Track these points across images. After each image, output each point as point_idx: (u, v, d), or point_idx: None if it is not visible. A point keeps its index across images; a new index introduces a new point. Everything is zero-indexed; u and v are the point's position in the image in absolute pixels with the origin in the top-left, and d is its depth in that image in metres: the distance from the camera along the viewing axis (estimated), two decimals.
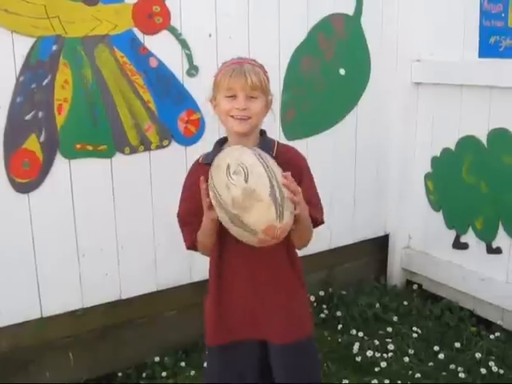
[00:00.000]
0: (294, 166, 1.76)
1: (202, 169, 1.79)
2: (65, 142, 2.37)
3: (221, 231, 1.74)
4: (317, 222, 1.82)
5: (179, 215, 1.88)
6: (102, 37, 2.36)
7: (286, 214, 1.58)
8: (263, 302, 1.83)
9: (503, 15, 2.77)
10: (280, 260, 1.84)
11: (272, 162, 1.63)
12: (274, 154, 1.77)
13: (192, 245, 1.85)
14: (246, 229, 1.57)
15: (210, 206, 1.65)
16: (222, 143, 1.85)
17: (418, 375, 2.64)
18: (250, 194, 1.54)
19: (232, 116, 1.72)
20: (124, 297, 2.64)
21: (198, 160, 1.87)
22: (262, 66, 1.80)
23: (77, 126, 2.38)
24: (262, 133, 1.84)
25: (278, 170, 1.62)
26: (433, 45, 3.16)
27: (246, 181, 1.55)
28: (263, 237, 1.57)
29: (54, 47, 2.28)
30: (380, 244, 3.54)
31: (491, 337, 2.92)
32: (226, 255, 1.84)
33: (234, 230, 1.62)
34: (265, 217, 1.55)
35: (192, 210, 1.81)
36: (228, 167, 1.58)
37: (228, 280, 1.85)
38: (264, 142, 1.80)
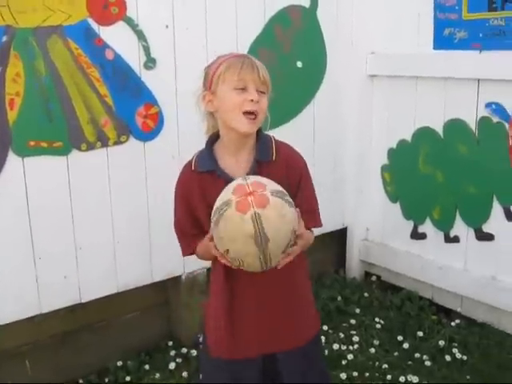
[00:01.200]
0: (293, 167, 1.74)
1: (196, 177, 1.72)
2: (17, 138, 2.24)
3: None
4: (316, 227, 1.80)
5: (175, 226, 1.80)
6: (55, 27, 2.24)
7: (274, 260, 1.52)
8: (272, 314, 1.76)
9: (457, 8, 2.80)
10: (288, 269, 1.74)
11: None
12: (272, 158, 1.71)
13: (189, 254, 1.81)
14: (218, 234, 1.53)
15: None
16: (213, 142, 1.76)
17: (385, 366, 2.65)
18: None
19: (243, 112, 1.62)
20: (84, 300, 2.53)
21: (190, 165, 1.76)
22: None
23: (30, 122, 2.25)
24: (259, 130, 1.76)
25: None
26: (388, 37, 3.17)
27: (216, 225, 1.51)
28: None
29: (4, 38, 2.14)
30: (338, 237, 3.55)
31: (452, 324, 2.97)
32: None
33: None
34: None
35: (189, 222, 1.75)
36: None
37: (239, 289, 1.76)
38: (262, 144, 1.73)
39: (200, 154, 1.76)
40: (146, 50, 2.50)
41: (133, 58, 2.48)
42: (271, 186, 1.53)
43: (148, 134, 2.57)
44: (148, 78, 2.52)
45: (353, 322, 3.04)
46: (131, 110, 2.50)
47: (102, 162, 2.48)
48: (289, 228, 1.50)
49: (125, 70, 2.45)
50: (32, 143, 2.27)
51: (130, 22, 2.43)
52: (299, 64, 3.05)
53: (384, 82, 3.25)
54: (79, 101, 2.35)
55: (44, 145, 2.30)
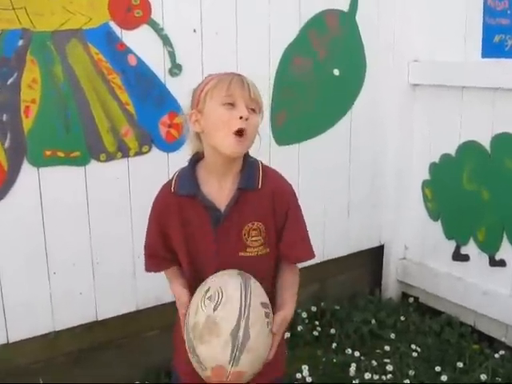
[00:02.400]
0: (280, 196, 1.60)
1: (174, 200, 1.60)
2: (33, 148, 2.13)
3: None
4: (307, 259, 1.66)
5: (145, 248, 1.70)
6: (74, 31, 2.13)
7: (245, 361, 1.39)
8: None
9: (509, 12, 2.58)
10: None
11: (256, 300, 1.46)
12: (258, 186, 1.58)
13: (154, 271, 1.71)
14: (197, 359, 1.42)
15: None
16: (196, 161, 1.63)
17: None
18: (210, 325, 1.39)
19: (232, 131, 1.47)
20: (101, 318, 2.40)
21: (169, 185, 1.63)
22: None
23: (46, 131, 2.14)
24: (246, 154, 1.61)
25: (257, 311, 1.44)
26: (432, 44, 2.96)
27: (215, 310, 1.41)
28: (211, 376, 1.41)
29: (20, 42, 2.04)
30: (375, 255, 3.35)
31: (495, 355, 2.73)
32: None
33: (189, 355, 1.46)
34: (216, 355, 1.39)
35: (160, 245, 1.65)
36: (207, 290, 1.46)
37: None
38: (248, 171, 1.59)
39: (181, 173, 1.63)
40: (172, 55, 2.37)
41: (157, 63, 2.34)
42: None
43: (172, 145, 2.43)
44: (173, 86, 2.38)
45: (387, 348, 2.83)
46: (154, 118, 2.37)
47: (123, 173, 2.35)
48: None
49: (148, 77, 2.32)
50: (48, 153, 2.16)
51: (154, 26, 2.30)
52: (336, 72, 2.87)
53: (427, 92, 3.04)
54: (99, 109, 2.23)
55: (61, 154, 2.18)
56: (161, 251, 1.66)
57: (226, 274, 1.52)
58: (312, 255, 1.67)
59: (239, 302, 1.42)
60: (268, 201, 1.58)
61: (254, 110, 1.51)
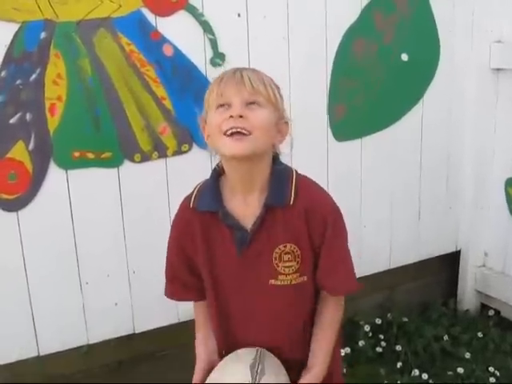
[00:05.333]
0: (316, 215, 1.34)
1: (195, 217, 1.38)
2: (60, 149, 1.95)
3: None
4: (349, 293, 1.41)
5: (167, 270, 1.51)
6: (102, 20, 1.92)
7: None
8: None
9: None
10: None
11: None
12: (290, 201, 1.33)
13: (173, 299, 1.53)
14: None
15: None
16: (218, 174, 1.40)
17: None
18: None
19: (225, 133, 1.25)
20: (138, 330, 2.23)
21: (188, 200, 1.42)
22: (271, 78, 1.35)
23: (74, 130, 1.96)
24: (275, 160, 1.37)
25: None
26: None
27: None
28: None
29: (43, 34, 1.86)
30: (450, 262, 3.00)
31: None
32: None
33: None
34: None
35: (181, 267, 1.45)
36: None
37: None
38: (276, 182, 1.35)
39: (202, 186, 1.41)
40: (213, 43, 2.13)
41: (197, 53, 2.11)
42: None
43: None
44: (215, 77, 2.14)
45: (460, 370, 2.50)
46: (194, 114, 2.12)
47: (160, 175, 2.15)
48: None
49: (187, 68, 2.09)
50: (77, 154, 1.98)
51: (193, 12, 2.06)
52: (404, 57, 2.53)
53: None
54: (132, 104, 2.02)
55: (91, 156, 2.00)
56: (182, 275, 1.46)
57: (226, 365, 1.36)
58: (354, 286, 1.41)
59: None
60: (301, 219, 1.33)
61: (255, 103, 1.27)
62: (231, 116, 1.24)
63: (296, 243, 1.34)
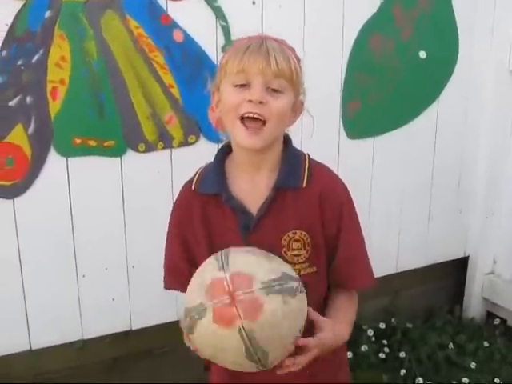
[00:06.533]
0: (331, 201, 1.25)
1: (196, 200, 1.28)
2: (60, 135, 1.86)
3: None
4: (365, 287, 1.31)
5: (165, 260, 1.40)
6: (110, 1, 1.83)
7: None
8: None
9: None
10: None
11: None
12: (302, 184, 1.24)
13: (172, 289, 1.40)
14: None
15: None
16: (224, 154, 1.31)
17: None
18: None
19: (241, 118, 1.15)
20: (135, 327, 2.15)
21: (190, 184, 1.33)
22: (293, 49, 1.23)
23: (76, 116, 1.87)
24: (287, 142, 1.28)
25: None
26: None
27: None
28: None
29: (48, 14, 1.76)
30: (457, 267, 2.92)
31: None
32: None
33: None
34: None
35: (183, 258, 1.33)
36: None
37: None
38: (289, 164, 1.25)
39: (206, 168, 1.33)
40: (226, 30, 2.03)
41: (208, 40, 2.01)
42: (261, 272, 1.08)
43: (223, 134, 2.09)
44: (238, 38, 2.05)
45: (465, 380, 2.42)
46: (203, 104, 2.01)
47: (165, 166, 2.06)
48: (296, 328, 1.11)
49: (197, 55, 2.00)
50: (78, 141, 1.89)
51: None
52: (422, 54, 2.43)
53: None
54: (138, 91, 1.93)
55: (93, 143, 1.91)
56: (183, 265, 1.34)
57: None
58: (372, 281, 1.31)
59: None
60: (314, 205, 1.24)
61: (276, 91, 1.16)
62: (250, 100, 1.14)
63: (307, 230, 1.24)
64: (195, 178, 1.32)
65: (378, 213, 2.52)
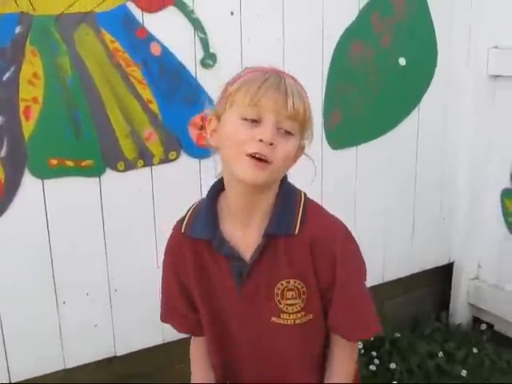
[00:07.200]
0: (322, 247, 1.17)
1: (187, 244, 1.22)
2: (35, 156, 1.77)
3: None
4: (367, 337, 1.34)
5: (162, 296, 1.34)
6: (84, 15, 1.74)
7: None
8: None
9: None
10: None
11: None
12: (295, 231, 1.16)
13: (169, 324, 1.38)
14: None
15: None
16: (217, 191, 1.23)
17: None
18: None
19: (245, 152, 1.07)
20: (120, 353, 2.06)
21: (180, 224, 1.26)
22: (305, 91, 1.17)
23: (51, 136, 1.78)
24: (283, 180, 1.20)
25: None
26: None
27: None
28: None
29: (18, 29, 1.67)
30: (443, 274, 2.89)
31: None
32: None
33: None
34: None
35: (182, 300, 1.29)
36: None
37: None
38: (282, 207, 1.17)
39: (197, 207, 1.25)
40: (204, 43, 1.97)
41: (186, 53, 1.95)
42: None
43: (205, 150, 2.02)
44: (206, 79, 1.98)
45: None
46: (183, 119, 1.98)
47: (145, 184, 1.98)
48: None
49: (175, 69, 1.93)
50: (54, 162, 1.80)
51: (183, 8, 1.90)
52: (402, 61, 2.41)
53: (510, 85, 2.54)
54: (115, 108, 1.85)
55: (70, 164, 1.82)
56: (180, 305, 1.30)
57: None
58: (375, 329, 1.24)
59: None
60: (306, 252, 1.16)
61: (288, 133, 1.10)
62: (260, 140, 1.06)
63: (302, 279, 1.18)
64: (186, 219, 1.25)
65: (362, 222, 2.48)
